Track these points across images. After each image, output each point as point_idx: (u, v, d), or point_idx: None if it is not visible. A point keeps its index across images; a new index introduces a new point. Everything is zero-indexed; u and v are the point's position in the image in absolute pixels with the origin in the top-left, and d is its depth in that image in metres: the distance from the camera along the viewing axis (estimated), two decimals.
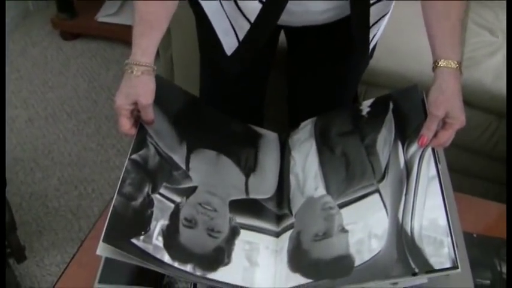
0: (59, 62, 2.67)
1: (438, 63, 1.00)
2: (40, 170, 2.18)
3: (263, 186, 1.13)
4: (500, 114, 1.75)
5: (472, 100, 1.70)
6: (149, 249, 0.90)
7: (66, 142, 2.30)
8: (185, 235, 0.96)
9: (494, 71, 1.73)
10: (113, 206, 0.91)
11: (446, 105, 0.98)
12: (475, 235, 1.09)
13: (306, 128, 1.23)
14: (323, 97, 1.42)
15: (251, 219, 1.05)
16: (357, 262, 0.92)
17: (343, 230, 0.98)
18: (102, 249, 0.86)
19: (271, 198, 1.11)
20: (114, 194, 0.93)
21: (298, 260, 0.98)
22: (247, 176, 1.13)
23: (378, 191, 1.01)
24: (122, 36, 2.63)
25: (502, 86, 1.70)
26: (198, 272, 0.92)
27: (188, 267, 0.92)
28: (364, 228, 0.97)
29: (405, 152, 1.03)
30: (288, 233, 1.04)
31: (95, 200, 2.08)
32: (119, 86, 1.01)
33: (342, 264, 0.93)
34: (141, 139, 1.03)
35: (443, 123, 1.00)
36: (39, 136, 2.31)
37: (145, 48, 1.01)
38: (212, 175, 1.09)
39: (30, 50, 2.73)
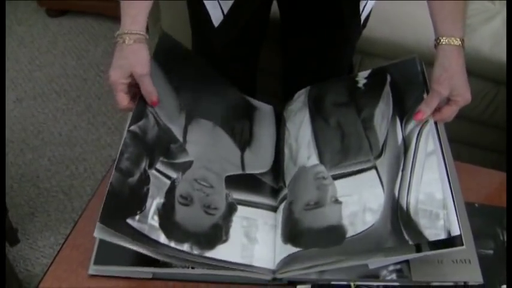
0: (46, 40, 2.63)
1: (440, 41, 0.97)
2: (30, 151, 2.15)
3: (259, 161, 1.11)
4: (498, 81, 1.73)
5: (469, 68, 1.64)
6: (145, 229, 0.87)
7: (56, 121, 2.26)
8: (181, 213, 0.94)
9: (491, 37, 1.70)
10: (110, 184, 0.87)
11: (450, 83, 0.96)
12: (476, 205, 1.07)
13: (300, 98, 1.21)
14: (317, 67, 1.39)
15: (248, 194, 1.03)
16: (350, 233, 0.91)
17: (337, 201, 0.97)
18: (99, 232, 0.83)
19: (268, 173, 1.09)
20: (105, 173, 0.90)
21: (289, 230, 0.96)
22: (242, 150, 1.11)
23: (375, 167, 1.00)
24: (109, 12, 2.59)
25: (499, 52, 1.67)
26: (196, 251, 0.90)
27: (185, 247, 0.89)
28: (358, 202, 0.95)
29: (403, 127, 1.01)
30: (282, 205, 1.02)
31: (87, 179, 2.05)
32: (110, 61, 0.97)
33: (334, 234, 0.92)
34: (141, 108, 0.98)
35: (448, 100, 0.98)
36: (28, 116, 2.28)
37: (134, 16, 0.97)
38: (208, 149, 1.06)
39: (15, 28, 2.68)
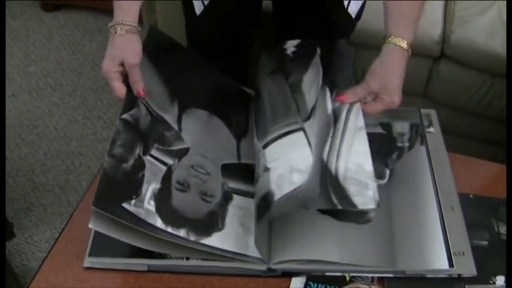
0: (40, 35, 2.62)
1: (387, 39, 0.98)
2: (26, 146, 2.14)
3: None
4: (493, 73, 1.73)
5: (464, 59, 1.68)
6: (141, 214, 0.87)
7: (51, 116, 2.26)
8: (178, 199, 0.94)
9: (486, 29, 1.69)
10: (104, 169, 0.87)
11: (382, 79, 0.98)
12: (471, 196, 1.07)
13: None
14: None
15: (243, 184, 1.02)
16: (277, 196, 0.89)
17: (266, 169, 0.95)
18: (94, 222, 0.83)
19: None
20: (100, 166, 0.90)
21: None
22: (238, 139, 1.10)
23: (302, 129, 0.99)
24: (104, 6, 2.57)
25: (494, 44, 1.67)
26: (192, 237, 0.90)
27: (182, 232, 0.89)
28: (285, 163, 0.94)
29: (333, 100, 1.03)
30: None
31: (83, 173, 2.05)
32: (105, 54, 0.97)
33: (264, 202, 0.90)
34: (132, 98, 0.99)
35: (375, 96, 1.00)
36: (23, 111, 2.27)
37: (127, 7, 0.98)
38: (204, 137, 1.06)
39: (10, 22, 2.67)
